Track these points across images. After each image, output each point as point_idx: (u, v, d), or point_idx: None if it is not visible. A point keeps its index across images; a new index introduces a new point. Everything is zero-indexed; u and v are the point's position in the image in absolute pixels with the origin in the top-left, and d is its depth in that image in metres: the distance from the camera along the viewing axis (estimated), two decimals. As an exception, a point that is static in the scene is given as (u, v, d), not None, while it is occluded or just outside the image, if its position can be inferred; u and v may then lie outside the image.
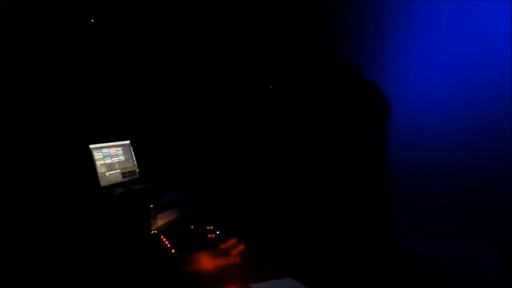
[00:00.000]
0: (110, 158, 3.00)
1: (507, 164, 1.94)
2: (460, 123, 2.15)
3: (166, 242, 2.55)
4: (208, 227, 2.79)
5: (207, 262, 2.39)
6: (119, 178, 3.02)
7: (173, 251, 2.46)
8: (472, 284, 2.07)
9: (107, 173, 2.92)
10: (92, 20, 2.97)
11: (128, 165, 3.15)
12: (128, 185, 2.98)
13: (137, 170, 3.22)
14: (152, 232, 2.65)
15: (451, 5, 2.15)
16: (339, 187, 2.66)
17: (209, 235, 2.69)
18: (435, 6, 2.21)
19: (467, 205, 2.11)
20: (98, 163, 2.87)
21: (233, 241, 2.63)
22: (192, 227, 2.86)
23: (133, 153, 3.22)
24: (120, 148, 3.12)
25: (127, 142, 3.22)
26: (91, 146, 2.86)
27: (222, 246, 2.55)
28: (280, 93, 2.98)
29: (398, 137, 2.46)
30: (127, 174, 3.10)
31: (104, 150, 2.96)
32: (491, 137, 2.03)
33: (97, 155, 2.89)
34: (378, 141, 2.54)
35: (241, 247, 2.59)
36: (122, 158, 3.11)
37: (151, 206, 2.70)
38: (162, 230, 2.70)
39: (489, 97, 2.03)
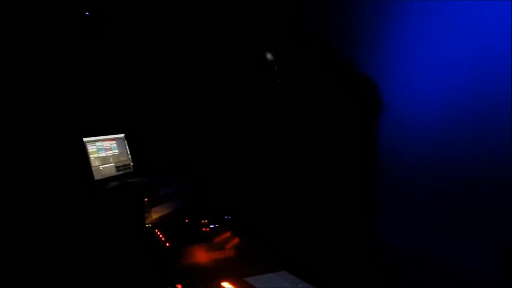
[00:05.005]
0: (104, 151, 2.98)
1: (506, 161, 1.94)
2: (460, 122, 2.14)
3: (161, 236, 2.54)
4: (202, 221, 2.78)
5: (201, 256, 2.37)
6: (113, 172, 3.00)
7: (167, 244, 2.45)
8: (470, 282, 2.07)
9: (101, 166, 2.89)
10: (87, 13, 2.95)
11: (122, 159, 3.12)
12: (122, 178, 2.96)
13: (132, 163, 3.20)
14: (147, 225, 2.63)
15: (450, 4, 2.15)
16: (336, 184, 2.66)
17: (203, 229, 2.68)
18: (433, 4, 2.21)
19: (465, 203, 2.11)
20: (92, 156, 2.84)
21: (227, 234, 2.62)
22: (186, 220, 2.84)
23: (127, 147, 3.20)
24: (114, 142, 3.10)
25: (122, 135, 3.19)
26: (85, 139, 2.83)
27: (217, 239, 2.54)
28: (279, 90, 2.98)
29: (397, 135, 2.46)
30: (121, 168, 3.08)
31: (98, 144, 2.94)
32: (489, 136, 2.03)
33: (91, 148, 2.86)
34: (377, 141, 2.54)
35: (235, 240, 2.57)
36: (116, 151, 3.09)
37: (146, 199, 2.68)
38: (157, 224, 2.69)
39: (488, 95, 2.03)
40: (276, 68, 2.88)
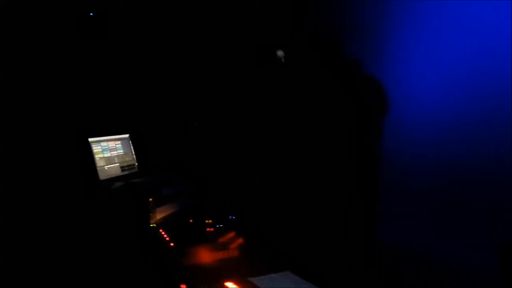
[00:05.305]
0: (109, 151, 3.01)
1: (506, 161, 1.94)
2: (460, 122, 2.14)
3: (165, 236, 2.57)
4: (207, 221, 2.81)
5: (205, 256, 2.39)
6: (118, 172, 3.03)
7: (171, 244, 2.48)
8: (470, 282, 2.09)
9: (106, 166, 2.93)
10: (91, 14, 2.96)
11: (127, 159, 3.16)
12: (127, 178, 2.98)
13: (136, 163, 3.23)
14: (151, 225, 2.66)
15: (450, 4, 2.14)
16: (336, 184, 2.67)
17: (207, 229, 2.71)
18: (434, 4, 2.20)
19: (465, 203, 2.12)
20: (97, 156, 2.87)
21: (231, 234, 2.64)
22: (191, 220, 2.87)
23: (132, 147, 3.23)
24: (119, 142, 3.13)
25: (126, 135, 3.22)
26: (90, 139, 2.86)
27: (221, 239, 2.56)
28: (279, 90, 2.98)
29: (397, 135, 2.46)
30: (126, 168, 3.11)
31: (103, 144, 2.97)
32: (489, 136, 2.03)
33: (96, 148, 2.89)
34: (377, 141, 2.54)
35: (240, 240, 2.60)
36: (121, 151, 3.12)
37: (150, 199, 2.71)
38: (161, 224, 2.72)
39: (488, 95, 2.03)
40: (283, 61, 2.87)
